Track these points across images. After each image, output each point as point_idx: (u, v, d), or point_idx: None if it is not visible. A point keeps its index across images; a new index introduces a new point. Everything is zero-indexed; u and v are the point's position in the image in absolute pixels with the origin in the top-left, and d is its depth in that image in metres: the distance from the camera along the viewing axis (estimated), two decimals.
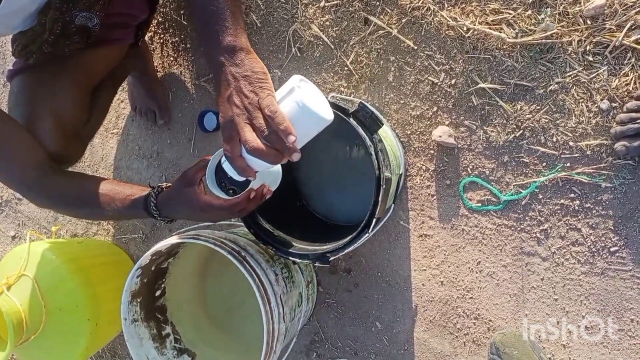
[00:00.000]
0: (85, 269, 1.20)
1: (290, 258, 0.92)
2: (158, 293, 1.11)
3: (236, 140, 0.70)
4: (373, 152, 0.81)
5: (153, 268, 1.04)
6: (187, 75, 1.28)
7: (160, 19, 1.28)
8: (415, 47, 1.03)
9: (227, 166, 0.75)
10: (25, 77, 0.97)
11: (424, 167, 1.07)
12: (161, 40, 1.29)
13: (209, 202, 0.78)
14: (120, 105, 1.38)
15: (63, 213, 1.19)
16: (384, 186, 0.82)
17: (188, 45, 1.27)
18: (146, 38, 1.28)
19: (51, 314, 1.13)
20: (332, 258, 0.87)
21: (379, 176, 0.82)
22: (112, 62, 1.05)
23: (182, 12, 1.26)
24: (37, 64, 0.96)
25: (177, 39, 1.28)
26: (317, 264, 0.89)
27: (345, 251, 0.87)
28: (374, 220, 0.84)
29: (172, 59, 1.29)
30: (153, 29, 1.29)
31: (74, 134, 0.99)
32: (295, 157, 0.69)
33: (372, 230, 0.86)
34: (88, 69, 1.01)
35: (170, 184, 0.86)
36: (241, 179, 0.76)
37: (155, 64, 1.30)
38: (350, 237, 0.87)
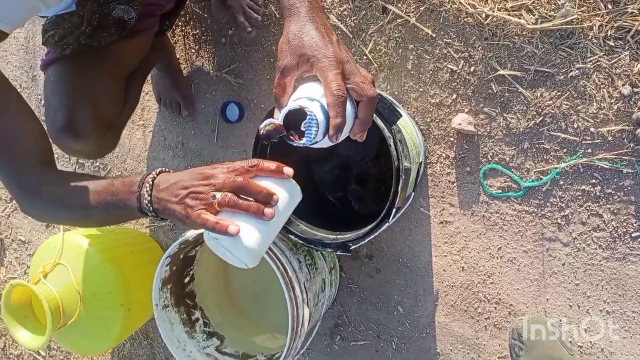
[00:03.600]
0: (117, 257, 1.25)
1: (313, 247, 0.94)
2: (187, 280, 1.15)
3: None
4: (392, 143, 0.83)
5: (181, 256, 1.08)
6: (209, 67, 1.30)
7: (181, 12, 1.30)
8: (434, 35, 1.03)
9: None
10: (61, 66, 0.99)
11: (444, 155, 1.08)
12: (183, 33, 1.32)
13: None
14: (145, 97, 1.41)
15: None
16: (403, 176, 0.84)
17: (209, 38, 1.29)
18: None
19: (86, 300, 1.19)
20: (353, 247, 0.90)
21: (398, 167, 0.84)
22: (142, 53, 1.08)
23: (202, 4, 1.28)
24: (73, 54, 0.98)
25: (197, 31, 1.30)
26: (338, 253, 0.91)
27: (366, 240, 0.89)
28: (394, 209, 0.86)
29: (193, 51, 1.31)
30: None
31: (110, 124, 1.03)
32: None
33: (393, 219, 0.88)
34: (122, 60, 1.03)
35: None
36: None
37: (178, 57, 1.33)
38: (370, 226, 0.89)
